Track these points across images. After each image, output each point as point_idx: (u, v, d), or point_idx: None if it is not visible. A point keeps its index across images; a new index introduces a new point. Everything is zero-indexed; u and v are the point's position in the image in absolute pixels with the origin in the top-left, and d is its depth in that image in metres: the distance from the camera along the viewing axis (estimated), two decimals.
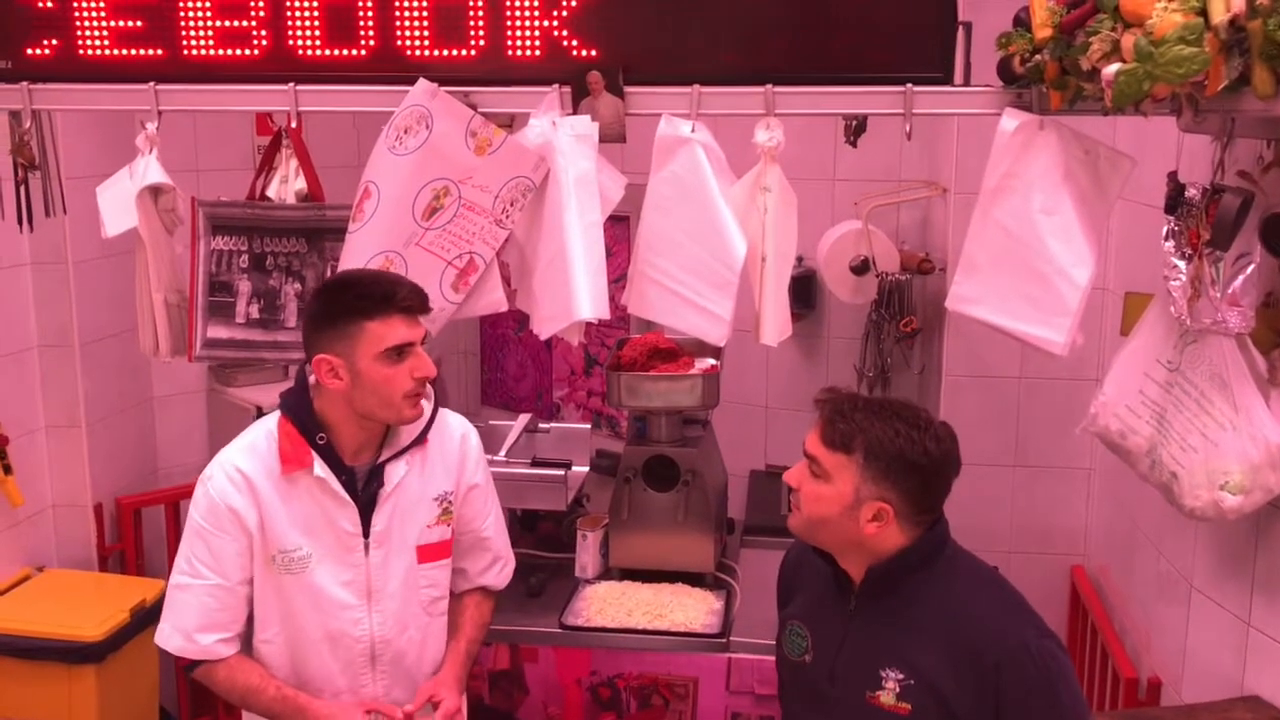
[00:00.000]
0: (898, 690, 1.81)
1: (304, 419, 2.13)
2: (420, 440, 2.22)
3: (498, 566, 2.41)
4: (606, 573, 3.00)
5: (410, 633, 2.26)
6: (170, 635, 2.16)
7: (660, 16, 2.31)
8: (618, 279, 3.31)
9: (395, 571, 2.21)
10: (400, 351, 2.07)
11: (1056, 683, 1.76)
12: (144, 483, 3.99)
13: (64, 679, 3.19)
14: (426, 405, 2.20)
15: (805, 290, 3.86)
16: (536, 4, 2.31)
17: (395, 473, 2.18)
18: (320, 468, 2.12)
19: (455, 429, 2.32)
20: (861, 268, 3.44)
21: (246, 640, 2.22)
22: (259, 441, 2.16)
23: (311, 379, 2.14)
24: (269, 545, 2.14)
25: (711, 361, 3.13)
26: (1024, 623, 1.81)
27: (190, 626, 2.14)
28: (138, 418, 4.00)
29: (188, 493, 3.93)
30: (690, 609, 2.84)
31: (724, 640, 2.75)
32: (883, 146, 3.83)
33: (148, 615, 3.39)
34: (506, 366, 4.83)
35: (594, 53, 2.32)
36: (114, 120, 3.28)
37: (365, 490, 2.16)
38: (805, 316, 3.95)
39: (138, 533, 3.84)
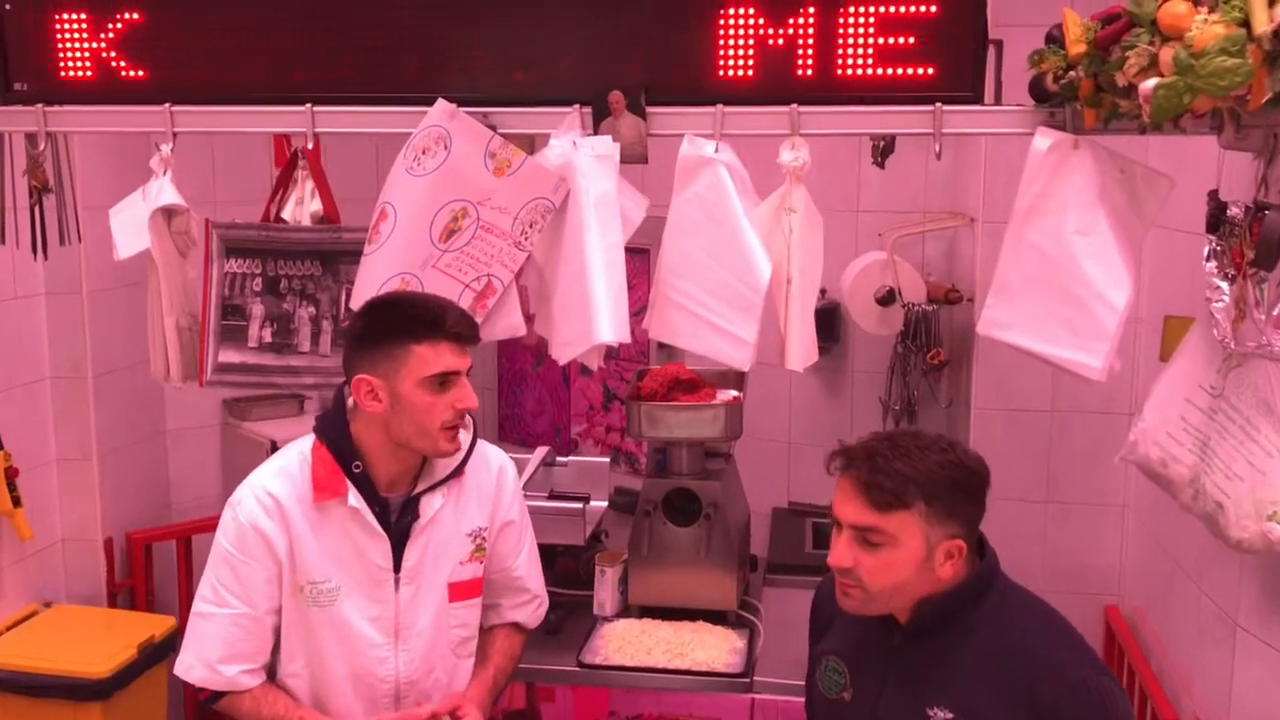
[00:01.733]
0: None
1: (340, 445, 2.06)
2: (457, 473, 2.15)
3: (533, 605, 2.35)
4: (625, 610, 2.92)
5: (437, 674, 2.18)
6: (192, 666, 2.08)
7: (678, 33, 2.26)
8: (637, 311, 3.26)
9: (425, 609, 2.13)
10: (444, 381, 2.01)
11: None
12: (155, 517, 3.93)
13: (70, 717, 3.12)
14: (465, 437, 2.14)
15: (829, 323, 3.79)
16: None
17: (430, 506, 2.11)
18: (354, 497, 2.05)
19: (493, 461, 2.25)
20: (887, 299, 3.37)
21: (270, 670, 2.14)
22: (291, 466, 2.08)
23: (349, 402, 2.08)
24: (298, 575, 2.07)
25: (734, 393, 3.06)
26: (1082, 659, 1.72)
27: (214, 657, 2.06)
28: (150, 451, 3.95)
29: (200, 528, 3.94)
30: (712, 648, 2.75)
31: (747, 680, 2.66)
32: (907, 177, 3.80)
33: (156, 652, 3.32)
34: (524, 402, 4.76)
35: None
36: (132, 149, 3.26)
37: (398, 523, 2.09)
38: (829, 350, 3.88)
39: (148, 568, 3.77)
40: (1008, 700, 1.68)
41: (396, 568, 2.08)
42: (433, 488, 2.11)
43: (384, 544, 2.07)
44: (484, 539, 2.19)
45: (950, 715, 1.71)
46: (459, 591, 2.17)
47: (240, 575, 2.05)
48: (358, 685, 2.11)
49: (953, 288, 3.42)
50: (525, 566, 2.31)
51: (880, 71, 2.22)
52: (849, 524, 1.75)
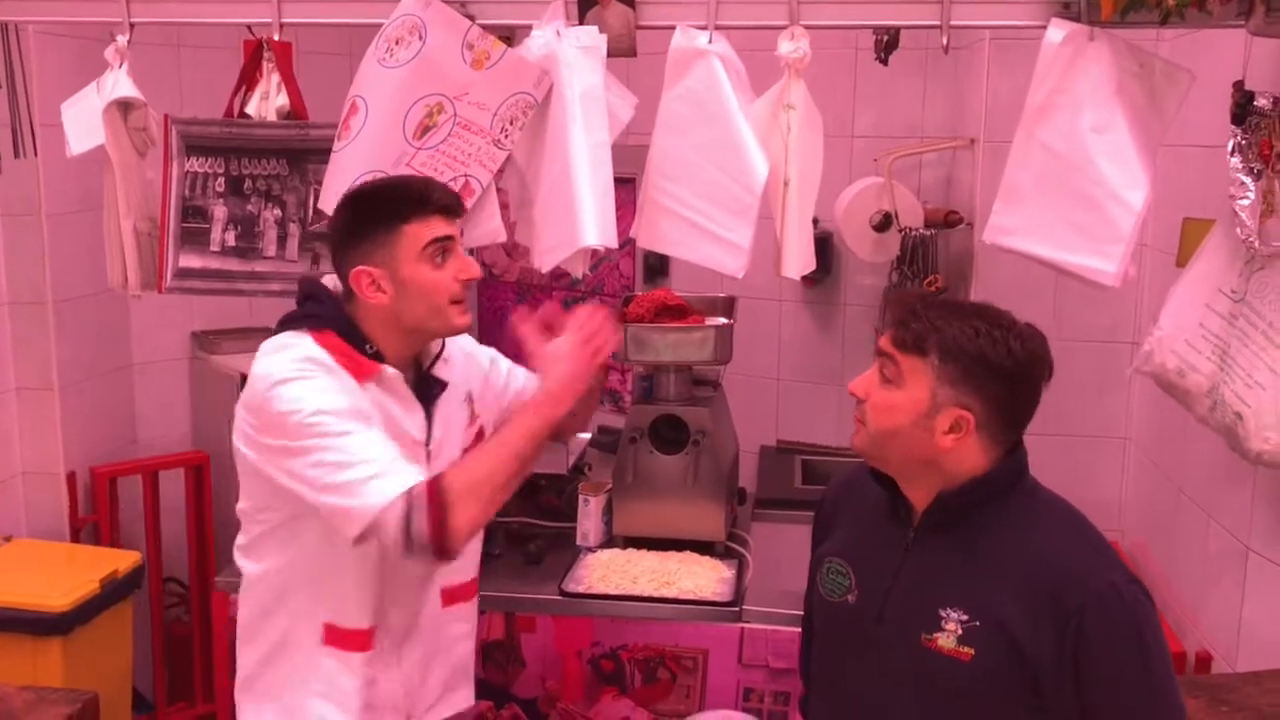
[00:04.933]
0: (959, 633, 1.59)
1: (349, 331, 1.90)
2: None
3: None
4: (610, 541, 2.80)
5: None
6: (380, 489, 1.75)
7: None
8: (624, 244, 3.13)
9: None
10: (444, 251, 1.89)
11: (1144, 631, 1.55)
12: (121, 452, 3.79)
13: (28, 651, 2.98)
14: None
15: (821, 254, 3.61)
16: None
17: (441, 374, 2.03)
18: (393, 373, 1.91)
19: None
20: (883, 224, 3.24)
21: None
22: (313, 353, 1.86)
23: (342, 293, 1.95)
24: None
25: (723, 320, 2.94)
26: (1110, 564, 1.60)
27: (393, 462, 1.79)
28: (116, 383, 3.80)
29: (168, 463, 3.80)
30: (700, 576, 2.64)
31: (736, 609, 2.55)
32: (904, 101, 3.67)
33: (120, 587, 3.19)
34: (505, 339, 4.63)
35: None
36: (95, 62, 3.11)
37: (422, 398, 1.99)
38: (820, 282, 3.76)
39: (113, 504, 3.63)
40: (1029, 604, 1.57)
41: (427, 441, 1.99)
42: (438, 359, 2.04)
43: (419, 414, 1.97)
44: (473, 400, 2.11)
45: (965, 617, 1.59)
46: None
47: (348, 403, 1.82)
48: (389, 569, 1.95)
49: (952, 211, 3.29)
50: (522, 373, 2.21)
51: None
52: (879, 348, 1.68)
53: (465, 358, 2.14)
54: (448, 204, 1.91)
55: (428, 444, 1.99)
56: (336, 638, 1.97)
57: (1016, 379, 1.61)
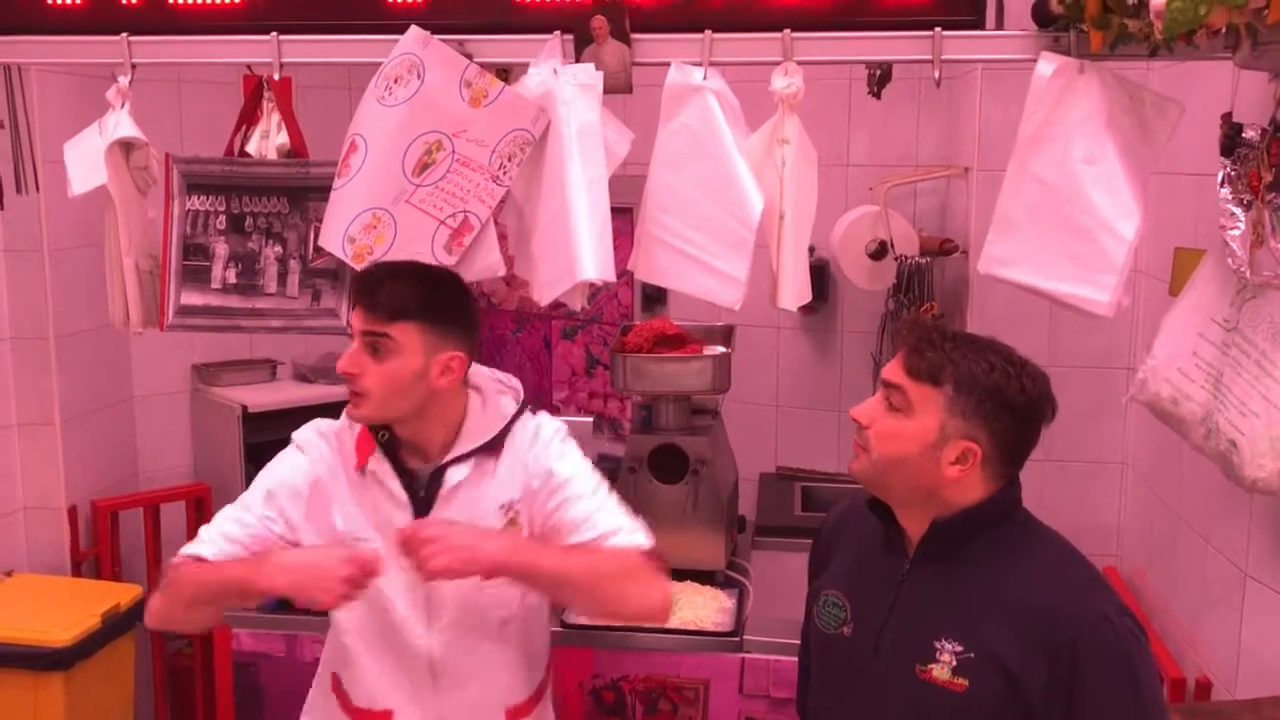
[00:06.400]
0: (954, 664, 1.60)
1: None
2: (493, 446, 2.00)
3: (619, 536, 1.96)
4: None
5: (477, 656, 2.03)
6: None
7: None
8: (621, 274, 3.15)
9: (456, 586, 1.95)
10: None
11: (1136, 662, 1.56)
12: (122, 485, 3.80)
13: (29, 687, 2.99)
14: (509, 403, 2.07)
15: (817, 282, 3.63)
16: None
17: (454, 475, 1.98)
18: (375, 461, 1.98)
19: (530, 429, 2.05)
20: (879, 252, 3.26)
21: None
22: (343, 426, 2.06)
23: None
24: (342, 521, 2.01)
25: (720, 349, 2.96)
26: (1103, 597, 1.62)
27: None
28: (116, 417, 3.82)
29: (169, 496, 3.81)
30: (700, 607, 2.66)
31: (737, 639, 2.56)
32: (898, 131, 3.70)
33: (122, 621, 3.20)
34: (504, 369, 4.64)
35: None
36: (97, 99, 3.13)
37: (425, 494, 1.98)
38: (817, 310, 3.78)
39: (114, 538, 3.64)
40: (1022, 636, 1.58)
41: None
42: (461, 459, 1.99)
43: (407, 513, 1.97)
44: (516, 511, 2.01)
45: (959, 649, 1.60)
46: None
47: (277, 480, 2.02)
48: (396, 660, 2.02)
49: (947, 239, 3.32)
50: (584, 509, 1.97)
51: None
52: (884, 379, 1.69)
53: (526, 462, 2.02)
54: (360, 293, 1.94)
55: None
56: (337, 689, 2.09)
57: (1026, 415, 1.64)
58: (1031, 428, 1.66)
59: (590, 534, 1.94)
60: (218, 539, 1.95)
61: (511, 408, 2.06)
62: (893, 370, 1.68)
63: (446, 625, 2.01)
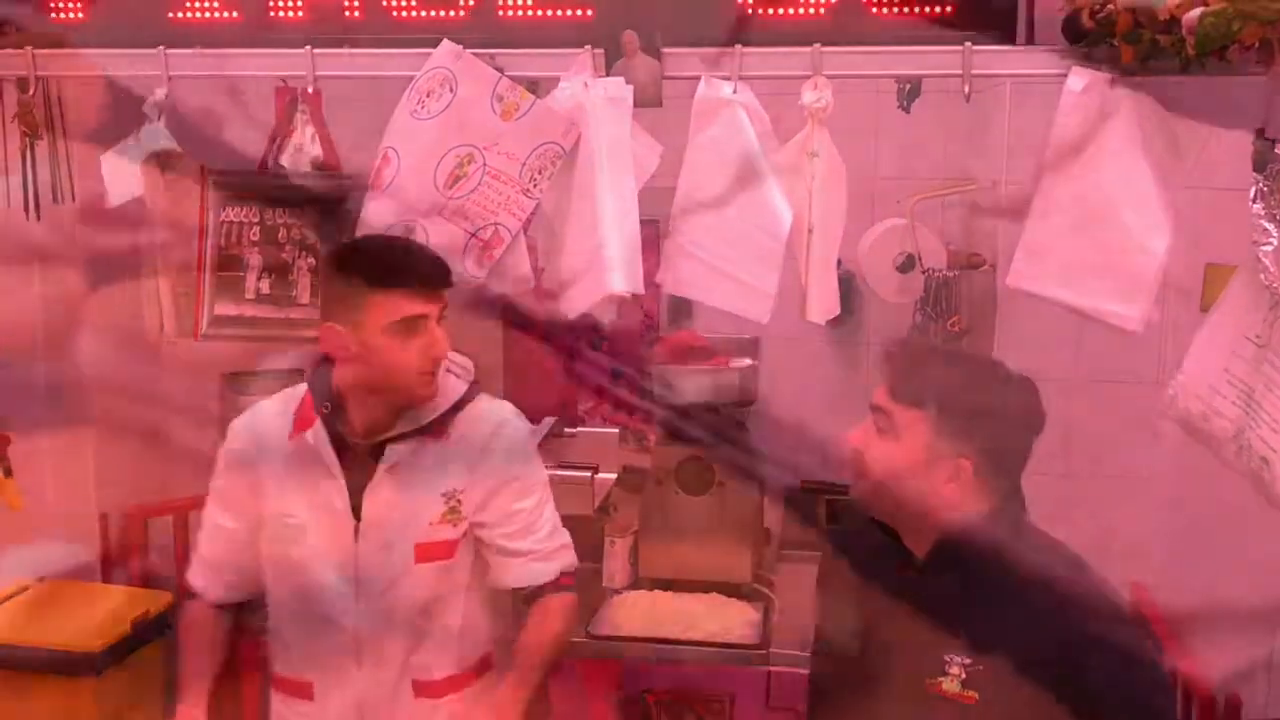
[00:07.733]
0: (963, 676, 1.62)
1: (315, 385, 1.99)
2: (438, 426, 1.99)
3: (518, 562, 2.06)
4: (636, 583, 2.82)
5: (400, 637, 2.02)
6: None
7: None
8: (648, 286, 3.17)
9: (391, 566, 1.98)
10: (410, 330, 1.89)
11: (1147, 672, 1.57)
12: (154, 491, 3.82)
13: (61, 692, 3.01)
14: (459, 386, 2.02)
15: (843, 296, 3.66)
16: None
17: (394, 453, 1.97)
18: (313, 435, 1.97)
19: (491, 418, 2.05)
20: (907, 264, 3.25)
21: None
22: (290, 398, 2.08)
23: None
24: (270, 503, 2.03)
25: (748, 361, 2.97)
26: (1110, 606, 1.63)
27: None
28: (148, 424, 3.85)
29: (200, 503, 3.82)
30: (726, 619, 2.65)
31: (763, 652, 2.56)
32: (926, 143, 3.68)
33: (152, 628, 3.21)
34: (530, 376, 4.66)
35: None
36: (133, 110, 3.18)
37: (362, 469, 1.98)
38: (843, 324, 3.76)
39: (145, 544, 3.67)
40: (1031, 647, 1.58)
41: (357, 515, 1.98)
42: (404, 436, 1.97)
43: (339, 487, 1.97)
44: (459, 501, 2.01)
45: (968, 661, 1.62)
46: (426, 553, 2.00)
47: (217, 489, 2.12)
48: (320, 632, 2.02)
49: (975, 252, 3.31)
50: (522, 523, 2.05)
51: (907, 10, 2.12)
52: (873, 404, 1.71)
53: (481, 455, 2.02)
54: (425, 275, 1.91)
55: (357, 519, 1.98)
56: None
57: (1011, 428, 1.64)
58: (1018, 439, 1.69)
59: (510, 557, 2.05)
60: (205, 570, 2.17)
61: (460, 389, 2.03)
62: (879, 395, 1.71)
63: (376, 607, 2.00)
